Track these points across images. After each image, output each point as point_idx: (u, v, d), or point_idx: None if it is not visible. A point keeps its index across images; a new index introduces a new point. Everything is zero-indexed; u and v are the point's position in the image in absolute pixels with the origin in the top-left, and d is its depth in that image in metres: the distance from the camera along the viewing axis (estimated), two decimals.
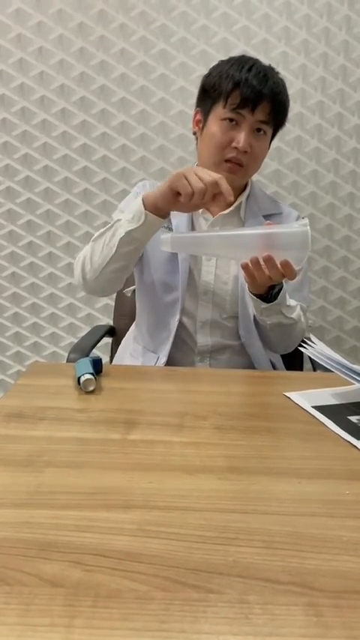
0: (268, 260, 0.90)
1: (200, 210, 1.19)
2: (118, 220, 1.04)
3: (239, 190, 1.21)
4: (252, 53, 1.72)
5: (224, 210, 1.18)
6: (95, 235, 1.10)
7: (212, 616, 0.41)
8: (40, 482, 0.59)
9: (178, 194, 0.95)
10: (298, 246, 0.91)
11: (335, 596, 0.43)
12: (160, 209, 0.99)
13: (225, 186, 0.93)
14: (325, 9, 1.73)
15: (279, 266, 0.91)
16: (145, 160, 1.83)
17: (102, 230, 1.08)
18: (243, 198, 1.19)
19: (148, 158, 1.83)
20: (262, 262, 0.91)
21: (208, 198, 0.93)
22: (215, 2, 1.72)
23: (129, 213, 1.02)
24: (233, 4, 1.72)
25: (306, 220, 0.93)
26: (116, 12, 1.73)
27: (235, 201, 1.19)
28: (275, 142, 1.79)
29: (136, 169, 1.84)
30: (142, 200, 0.99)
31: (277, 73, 1.13)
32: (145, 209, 0.99)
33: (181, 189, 0.93)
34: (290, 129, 1.81)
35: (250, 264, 0.92)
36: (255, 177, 1.81)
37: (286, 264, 0.91)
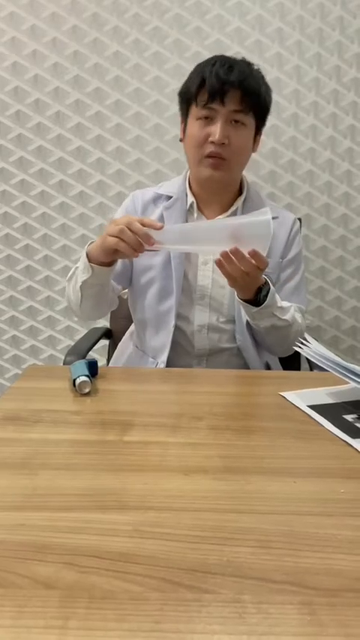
0: (236, 252, 0.92)
1: (195, 215, 1.19)
2: (77, 267, 1.10)
3: (236, 194, 1.21)
4: (246, 54, 1.72)
5: (220, 214, 1.18)
6: (69, 274, 1.15)
7: (206, 616, 0.41)
8: (36, 484, 0.59)
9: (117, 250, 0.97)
10: (261, 236, 0.93)
11: (330, 595, 0.43)
12: (104, 262, 1.03)
13: (152, 239, 0.93)
14: (318, 10, 1.73)
15: (248, 258, 0.92)
16: (140, 162, 1.84)
17: (72, 270, 1.13)
18: (240, 202, 1.19)
19: (143, 160, 1.84)
20: (231, 256, 0.93)
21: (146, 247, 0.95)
22: (208, 4, 1.73)
23: (81, 262, 1.07)
24: (226, 6, 1.73)
25: (267, 208, 0.94)
26: (110, 15, 1.73)
27: (231, 205, 1.19)
28: (270, 143, 1.81)
29: (131, 171, 1.84)
30: (87, 254, 1.03)
31: (249, 64, 1.12)
32: (90, 262, 1.03)
33: (122, 250, 0.95)
34: (285, 129, 1.81)
35: (222, 259, 0.94)
36: (250, 178, 1.82)
37: (254, 254, 0.92)
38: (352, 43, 1.75)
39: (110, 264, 1.04)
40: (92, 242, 1.05)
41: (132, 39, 1.75)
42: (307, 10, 1.73)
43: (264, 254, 0.93)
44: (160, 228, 0.93)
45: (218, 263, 0.95)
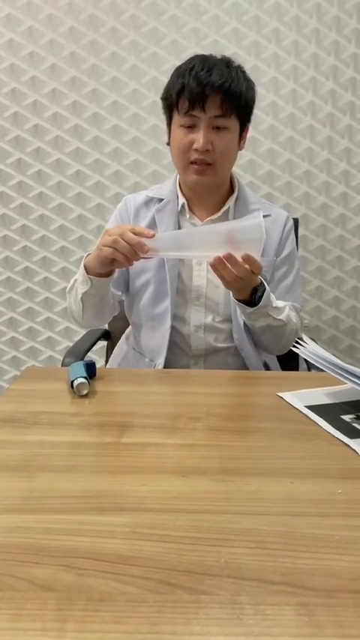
0: (229, 258, 0.92)
1: (187, 216, 1.19)
2: (75, 280, 1.11)
3: (227, 193, 1.20)
4: (243, 55, 1.73)
5: (212, 215, 1.18)
6: (69, 286, 1.16)
7: (204, 617, 0.41)
8: (33, 486, 0.59)
9: (114, 260, 0.98)
10: (254, 239, 0.93)
11: (327, 596, 0.43)
12: (101, 273, 1.04)
13: (145, 247, 0.94)
14: (314, 10, 1.73)
15: (242, 263, 0.93)
16: (138, 163, 1.84)
17: (71, 282, 1.15)
18: (231, 202, 1.19)
19: (141, 161, 1.84)
20: (225, 262, 0.93)
21: (140, 254, 0.96)
22: (205, 5, 1.73)
23: (80, 275, 1.08)
24: (223, 7, 1.73)
25: (259, 212, 0.95)
26: (107, 16, 1.73)
27: (223, 205, 1.19)
28: (267, 143, 1.81)
29: (129, 172, 1.85)
30: (85, 267, 1.05)
31: (229, 62, 1.10)
32: (89, 273, 1.05)
33: (118, 259, 0.96)
34: (282, 130, 1.81)
35: (215, 264, 0.94)
36: (247, 179, 1.82)
37: (247, 258, 0.93)
38: (350, 43, 1.76)
39: (108, 274, 1.06)
40: (89, 254, 1.06)
41: (129, 40, 1.75)
42: (303, 11, 1.73)
43: (257, 257, 0.93)
44: (152, 236, 0.94)
45: (212, 267, 0.95)
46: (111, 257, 0.97)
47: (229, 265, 0.93)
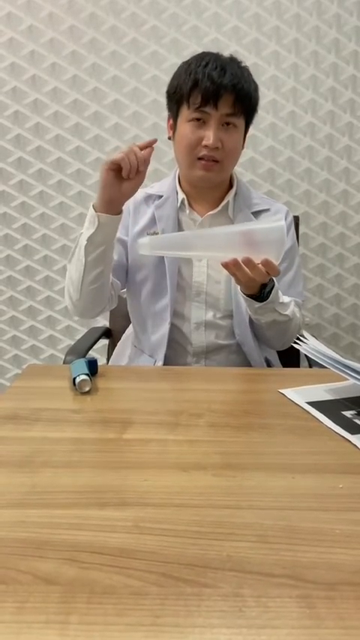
0: (248, 262, 0.92)
1: (187, 211, 1.19)
2: (81, 234, 1.10)
3: (225, 189, 1.21)
4: (243, 53, 1.73)
5: (212, 210, 1.18)
6: (69, 257, 1.14)
7: (206, 610, 0.41)
8: (36, 482, 0.59)
9: (117, 174, 1.00)
10: (275, 242, 0.92)
11: (328, 588, 0.44)
12: (108, 202, 1.04)
13: (145, 152, 1.00)
14: (315, 8, 1.73)
15: (260, 266, 0.92)
16: None
17: (72, 249, 1.13)
18: (230, 196, 1.19)
19: None
20: (241, 264, 0.92)
21: (143, 166, 1.01)
22: (206, 3, 1.73)
23: (86, 222, 1.08)
24: (224, 5, 1.73)
25: (281, 214, 0.94)
26: (107, 14, 1.74)
27: (223, 201, 1.19)
28: (268, 141, 1.81)
29: None
30: (92, 205, 1.06)
31: (239, 63, 1.11)
32: (97, 211, 1.05)
33: (124, 166, 0.99)
34: (283, 127, 1.81)
35: (229, 264, 0.93)
36: (248, 176, 1.82)
37: (266, 263, 0.92)
38: (350, 41, 1.76)
39: (116, 211, 1.06)
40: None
41: (129, 38, 1.75)
42: (304, 8, 1.73)
43: (278, 260, 0.93)
44: (155, 142, 1.01)
45: (225, 266, 0.94)
46: (119, 162, 0.98)
47: (245, 267, 0.93)
